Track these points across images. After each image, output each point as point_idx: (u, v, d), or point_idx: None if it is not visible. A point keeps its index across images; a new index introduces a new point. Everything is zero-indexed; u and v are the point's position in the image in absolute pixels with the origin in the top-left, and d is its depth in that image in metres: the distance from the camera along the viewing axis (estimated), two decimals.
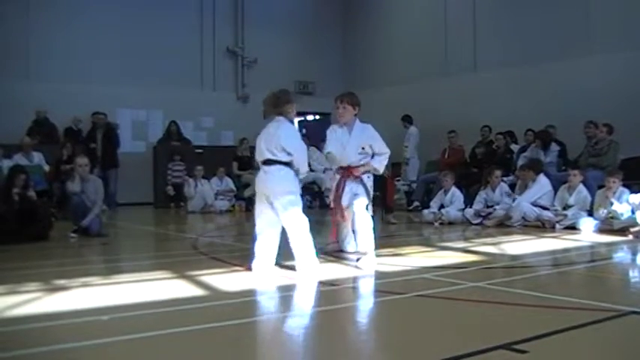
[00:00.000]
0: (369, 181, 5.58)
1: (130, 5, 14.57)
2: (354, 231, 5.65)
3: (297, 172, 4.99)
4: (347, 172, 5.50)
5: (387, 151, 5.62)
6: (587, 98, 11.19)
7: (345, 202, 5.49)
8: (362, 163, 5.51)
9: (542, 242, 7.05)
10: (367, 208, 5.46)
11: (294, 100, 5.15)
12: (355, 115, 5.59)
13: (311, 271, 4.86)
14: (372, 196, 5.59)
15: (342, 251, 5.94)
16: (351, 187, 5.48)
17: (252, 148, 6.67)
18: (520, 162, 10.46)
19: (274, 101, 5.09)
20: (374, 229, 5.46)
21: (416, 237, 8.26)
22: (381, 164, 5.61)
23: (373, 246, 5.38)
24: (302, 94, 16.82)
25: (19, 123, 12.35)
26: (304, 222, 4.94)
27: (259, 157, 5.04)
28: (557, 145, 10.53)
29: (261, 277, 4.83)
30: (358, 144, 5.53)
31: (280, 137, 4.91)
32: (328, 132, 5.71)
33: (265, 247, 5.02)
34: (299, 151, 4.97)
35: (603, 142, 9.58)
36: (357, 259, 5.37)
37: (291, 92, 5.42)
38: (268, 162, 4.95)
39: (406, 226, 9.52)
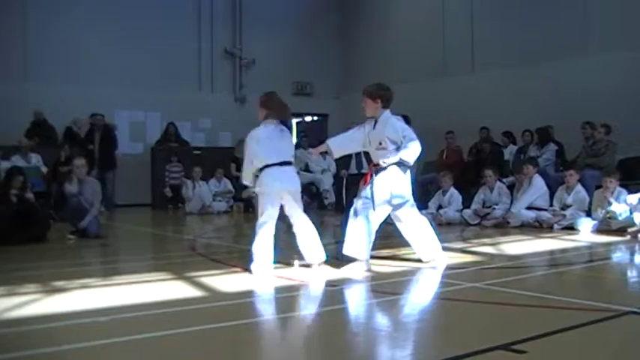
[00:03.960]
0: (384, 180, 5.12)
1: (128, 7, 14.53)
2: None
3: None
4: (370, 168, 5.29)
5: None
6: (586, 98, 11.18)
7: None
8: (385, 159, 5.14)
9: (541, 243, 7.05)
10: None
11: None
12: (383, 107, 5.51)
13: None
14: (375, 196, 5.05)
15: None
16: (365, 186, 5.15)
17: None
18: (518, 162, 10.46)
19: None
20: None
21: None
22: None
23: (361, 253, 5.01)
24: (300, 95, 16.84)
25: (17, 124, 12.32)
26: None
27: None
28: (554, 144, 10.54)
29: (258, 279, 4.82)
30: (377, 139, 5.32)
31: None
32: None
33: None
34: None
35: (601, 142, 9.59)
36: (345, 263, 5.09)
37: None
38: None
39: None
